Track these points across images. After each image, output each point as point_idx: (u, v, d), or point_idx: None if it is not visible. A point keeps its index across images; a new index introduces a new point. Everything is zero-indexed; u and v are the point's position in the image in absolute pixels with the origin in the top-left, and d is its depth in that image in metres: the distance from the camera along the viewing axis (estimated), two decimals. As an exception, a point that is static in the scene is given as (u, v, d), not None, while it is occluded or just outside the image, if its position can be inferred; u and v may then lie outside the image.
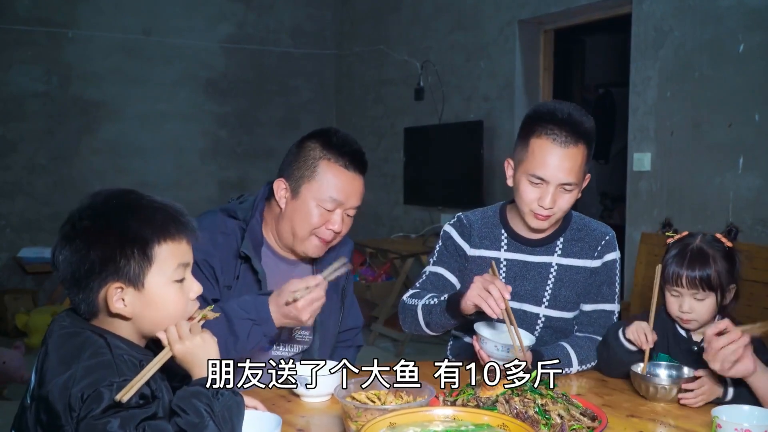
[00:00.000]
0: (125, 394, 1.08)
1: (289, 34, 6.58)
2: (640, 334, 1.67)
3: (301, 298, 1.58)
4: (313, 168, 1.75)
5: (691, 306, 1.69)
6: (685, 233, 1.77)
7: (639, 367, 1.66)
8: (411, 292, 1.95)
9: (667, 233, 1.78)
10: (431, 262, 2.00)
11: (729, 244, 1.71)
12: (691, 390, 1.56)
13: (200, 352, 1.21)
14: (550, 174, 1.73)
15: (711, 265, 1.67)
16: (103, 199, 1.23)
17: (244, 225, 1.79)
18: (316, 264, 1.89)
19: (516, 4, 4.72)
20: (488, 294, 1.60)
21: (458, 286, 1.94)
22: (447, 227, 1.99)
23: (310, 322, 1.64)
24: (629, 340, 1.70)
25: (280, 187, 1.79)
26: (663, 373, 1.67)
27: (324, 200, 1.74)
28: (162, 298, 1.21)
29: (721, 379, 1.56)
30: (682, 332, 1.76)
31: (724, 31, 3.48)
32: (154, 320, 1.22)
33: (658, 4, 3.79)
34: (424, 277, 1.98)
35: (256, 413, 1.34)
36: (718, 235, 1.73)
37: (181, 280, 1.23)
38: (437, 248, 2.00)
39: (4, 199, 5.54)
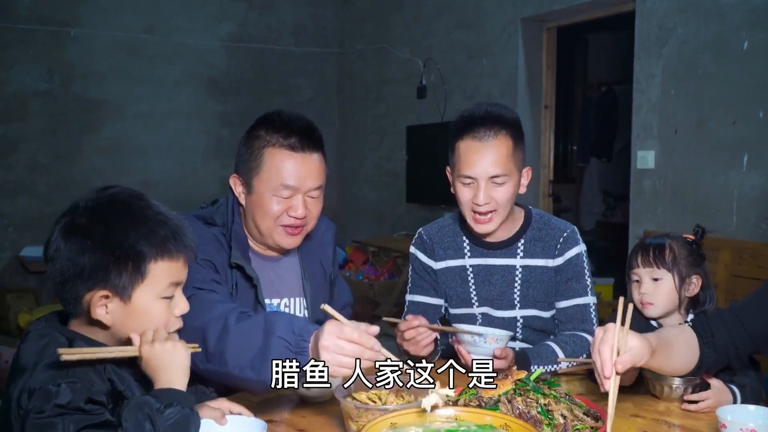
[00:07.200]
0: (66, 353, 1.07)
1: (291, 32, 6.57)
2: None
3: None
4: (260, 158, 1.65)
5: (648, 288, 1.71)
6: None
7: None
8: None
9: None
10: (408, 288, 2.05)
11: (690, 237, 1.75)
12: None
13: (167, 357, 1.16)
14: (477, 171, 1.79)
15: (666, 246, 1.71)
16: (107, 199, 1.19)
17: (224, 231, 1.70)
18: (300, 253, 1.82)
19: (518, 2, 4.70)
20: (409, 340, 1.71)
21: (439, 304, 2.00)
22: (411, 248, 2.04)
23: (334, 371, 1.30)
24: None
25: (237, 184, 1.71)
26: None
27: (277, 189, 1.64)
28: (146, 313, 1.19)
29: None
30: (655, 324, 1.76)
31: (727, 29, 3.46)
32: (132, 330, 1.19)
33: (662, 1, 3.77)
34: (406, 307, 2.03)
35: (240, 419, 1.31)
36: (685, 234, 1.78)
37: (170, 297, 1.21)
38: (410, 272, 2.04)
39: (7, 198, 5.53)
